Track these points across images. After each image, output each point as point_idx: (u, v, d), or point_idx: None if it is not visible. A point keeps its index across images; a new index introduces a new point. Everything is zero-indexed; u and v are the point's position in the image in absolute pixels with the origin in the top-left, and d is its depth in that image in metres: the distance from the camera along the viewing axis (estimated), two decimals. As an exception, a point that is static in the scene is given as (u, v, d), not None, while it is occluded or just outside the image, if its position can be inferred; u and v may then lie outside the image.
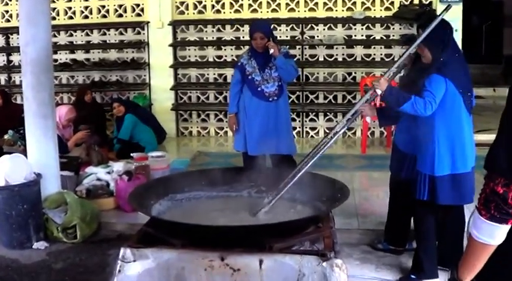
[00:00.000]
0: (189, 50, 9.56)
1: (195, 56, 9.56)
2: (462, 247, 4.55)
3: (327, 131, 9.43)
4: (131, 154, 6.35)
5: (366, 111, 4.51)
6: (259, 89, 5.76)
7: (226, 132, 9.52)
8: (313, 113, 9.51)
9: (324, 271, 3.26)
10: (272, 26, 6.67)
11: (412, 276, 4.45)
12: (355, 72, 9.48)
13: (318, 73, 9.50)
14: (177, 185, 4.20)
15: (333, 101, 9.51)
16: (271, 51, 5.65)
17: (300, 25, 9.31)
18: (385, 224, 5.08)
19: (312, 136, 9.48)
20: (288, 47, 6.21)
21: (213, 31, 9.48)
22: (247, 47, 9.27)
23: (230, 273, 3.29)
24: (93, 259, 4.86)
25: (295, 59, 6.11)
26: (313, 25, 9.36)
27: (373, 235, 5.22)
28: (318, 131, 9.53)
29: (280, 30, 9.27)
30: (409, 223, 4.94)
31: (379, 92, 4.18)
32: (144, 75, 9.54)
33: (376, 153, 8.41)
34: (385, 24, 9.32)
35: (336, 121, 9.44)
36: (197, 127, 9.64)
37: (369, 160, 7.95)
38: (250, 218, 3.81)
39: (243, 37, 9.36)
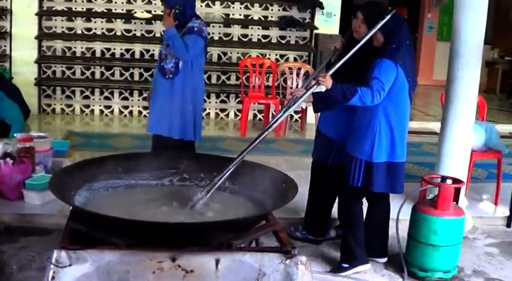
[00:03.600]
0: (55, 20, 8.70)
1: (62, 27, 8.74)
2: (387, 236, 4.47)
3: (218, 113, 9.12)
4: (15, 135, 5.58)
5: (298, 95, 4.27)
6: (162, 63, 5.24)
7: (92, 110, 8.87)
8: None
9: (287, 269, 3.00)
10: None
11: (344, 265, 4.31)
12: (231, 53, 9.21)
13: (192, 52, 9.06)
14: (92, 172, 3.72)
15: (207, 82, 9.13)
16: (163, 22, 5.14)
17: (177, 0, 8.83)
18: (297, 210, 4.90)
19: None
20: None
21: (82, 1, 8.74)
22: (118, 20, 8.78)
23: (182, 275, 2.93)
24: (-17, 259, 4.20)
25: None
26: (190, 1, 8.91)
27: (285, 223, 4.99)
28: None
29: (155, 4, 8.75)
30: (330, 212, 4.79)
31: (323, 89, 3.95)
32: (5, 46, 8.54)
33: (255, 136, 8.18)
34: (264, 5, 9.13)
35: (209, 102, 9.11)
36: (61, 104, 8.86)
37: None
38: (187, 212, 3.42)
39: (115, 9, 8.74)
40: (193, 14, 5.07)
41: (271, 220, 3.39)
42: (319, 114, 4.86)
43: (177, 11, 4.94)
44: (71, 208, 3.50)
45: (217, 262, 2.94)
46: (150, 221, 3.02)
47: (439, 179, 4.25)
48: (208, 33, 5.54)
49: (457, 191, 4.21)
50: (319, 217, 4.75)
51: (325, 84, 3.91)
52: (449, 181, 4.19)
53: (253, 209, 3.48)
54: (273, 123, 3.99)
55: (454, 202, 4.21)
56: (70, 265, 2.87)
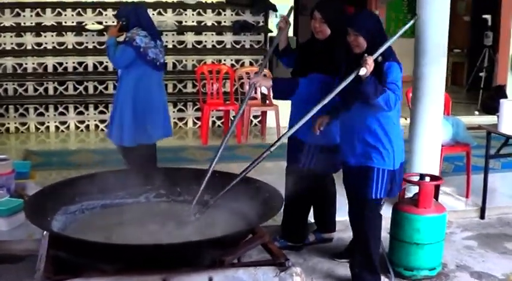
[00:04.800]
0: (4, 36, 8.43)
1: (12, 43, 8.47)
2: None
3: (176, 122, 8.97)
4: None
5: (260, 82, 4.23)
6: None
7: (48, 127, 8.62)
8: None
9: (282, 282, 2.92)
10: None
11: None
12: (185, 60, 9.08)
13: (147, 61, 8.91)
14: (67, 195, 3.60)
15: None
16: None
17: (128, 10, 8.67)
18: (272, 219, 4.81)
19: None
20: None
21: (31, 16, 8.48)
22: (69, 33, 8.57)
23: (175, 297, 2.81)
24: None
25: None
26: (141, 10, 8.76)
27: (262, 233, 4.92)
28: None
29: (106, 15, 8.56)
30: (307, 217, 4.74)
31: (363, 72, 3.59)
32: (-47, 66, 8.27)
33: (217, 144, 8.07)
34: (217, 10, 9.04)
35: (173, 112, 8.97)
36: (15, 123, 8.56)
37: (215, 152, 7.58)
38: (170, 231, 3.31)
39: (65, 22, 8.53)
40: (138, 25, 5.11)
41: (259, 232, 3.31)
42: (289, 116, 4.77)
43: (123, 22, 5.15)
44: (44, 232, 3.38)
45: (210, 280, 2.85)
46: (141, 244, 2.91)
47: (417, 177, 4.25)
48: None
49: (437, 188, 4.21)
50: (298, 223, 4.68)
51: (370, 68, 3.58)
52: (427, 178, 4.19)
53: (238, 223, 3.40)
54: (285, 134, 3.87)
55: (434, 199, 4.21)
56: (57, 296, 2.74)
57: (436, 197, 4.24)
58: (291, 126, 4.61)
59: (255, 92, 8.12)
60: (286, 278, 2.92)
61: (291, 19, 8.03)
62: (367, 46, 3.80)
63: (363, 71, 3.59)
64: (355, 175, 3.99)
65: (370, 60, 3.60)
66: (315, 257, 4.62)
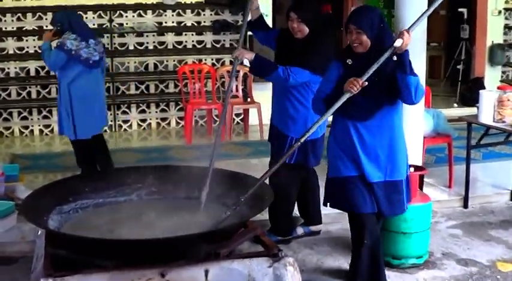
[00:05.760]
0: (-15, 42, 8.47)
1: (-7, 48, 8.50)
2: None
3: (141, 124, 9.00)
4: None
5: (243, 54, 4.27)
6: None
7: (32, 131, 8.64)
8: (125, 105, 8.98)
9: (276, 272, 3.03)
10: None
11: None
12: (167, 61, 9.13)
13: (128, 62, 8.96)
14: (60, 195, 3.65)
15: (145, 92, 9.07)
16: None
17: (108, 12, 8.71)
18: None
19: (125, 130, 8.96)
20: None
21: (12, 21, 8.50)
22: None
23: (172, 290, 2.89)
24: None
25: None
26: (121, 12, 8.82)
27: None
28: (131, 124, 9.02)
29: (86, 17, 8.57)
30: (292, 211, 4.82)
31: (399, 43, 3.38)
32: None
33: (202, 142, 8.17)
34: (196, 10, 9.10)
35: (149, 112, 9.02)
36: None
37: (200, 151, 7.64)
38: (167, 226, 3.37)
39: (46, 26, 8.50)
40: (69, 29, 5.51)
41: (250, 225, 3.39)
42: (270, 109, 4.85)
43: (58, 27, 5.58)
44: (39, 232, 3.45)
45: (206, 272, 2.94)
46: (139, 239, 2.98)
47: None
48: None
49: (421, 178, 4.32)
50: (284, 217, 4.76)
51: (406, 40, 3.36)
52: (411, 169, 4.30)
53: (230, 216, 3.47)
54: (309, 129, 3.72)
55: (419, 189, 4.32)
56: (57, 293, 2.80)
57: (421, 187, 4.34)
58: (272, 118, 4.74)
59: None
60: (280, 268, 3.02)
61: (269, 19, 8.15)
62: (371, 44, 3.59)
63: (398, 42, 3.36)
64: (379, 191, 3.77)
65: (406, 33, 3.39)
66: (304, 249, 4.71)
